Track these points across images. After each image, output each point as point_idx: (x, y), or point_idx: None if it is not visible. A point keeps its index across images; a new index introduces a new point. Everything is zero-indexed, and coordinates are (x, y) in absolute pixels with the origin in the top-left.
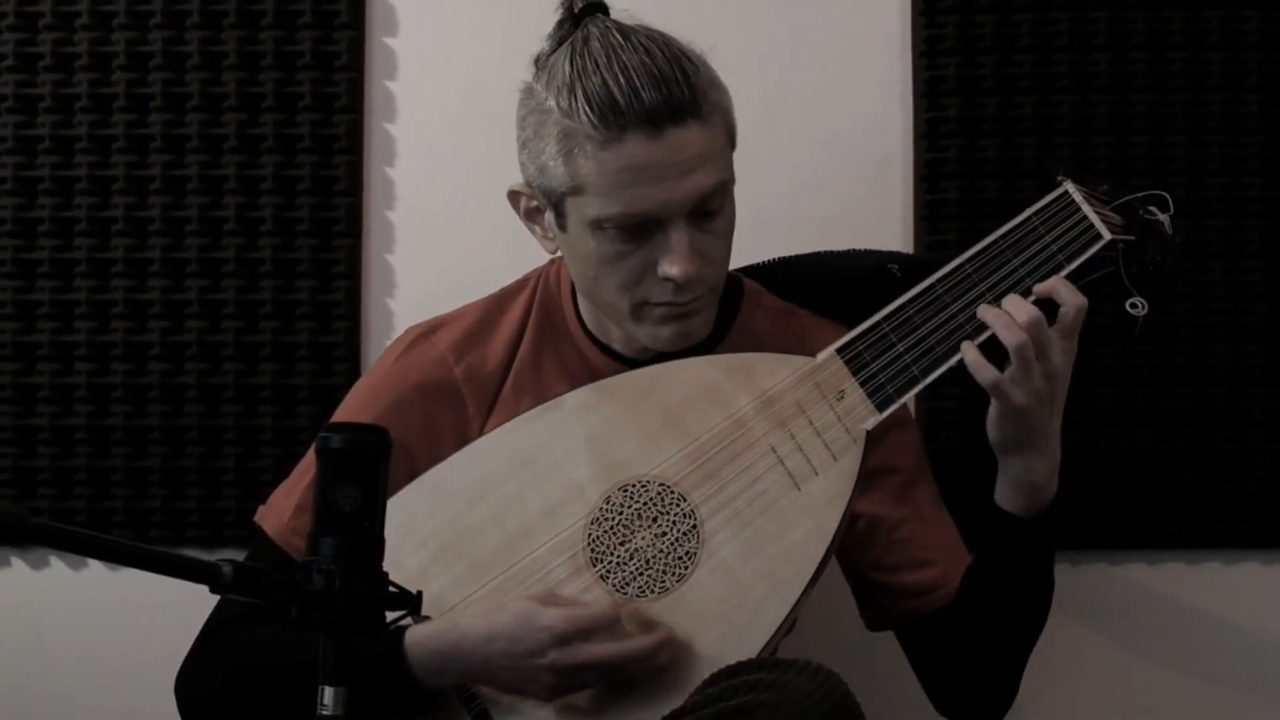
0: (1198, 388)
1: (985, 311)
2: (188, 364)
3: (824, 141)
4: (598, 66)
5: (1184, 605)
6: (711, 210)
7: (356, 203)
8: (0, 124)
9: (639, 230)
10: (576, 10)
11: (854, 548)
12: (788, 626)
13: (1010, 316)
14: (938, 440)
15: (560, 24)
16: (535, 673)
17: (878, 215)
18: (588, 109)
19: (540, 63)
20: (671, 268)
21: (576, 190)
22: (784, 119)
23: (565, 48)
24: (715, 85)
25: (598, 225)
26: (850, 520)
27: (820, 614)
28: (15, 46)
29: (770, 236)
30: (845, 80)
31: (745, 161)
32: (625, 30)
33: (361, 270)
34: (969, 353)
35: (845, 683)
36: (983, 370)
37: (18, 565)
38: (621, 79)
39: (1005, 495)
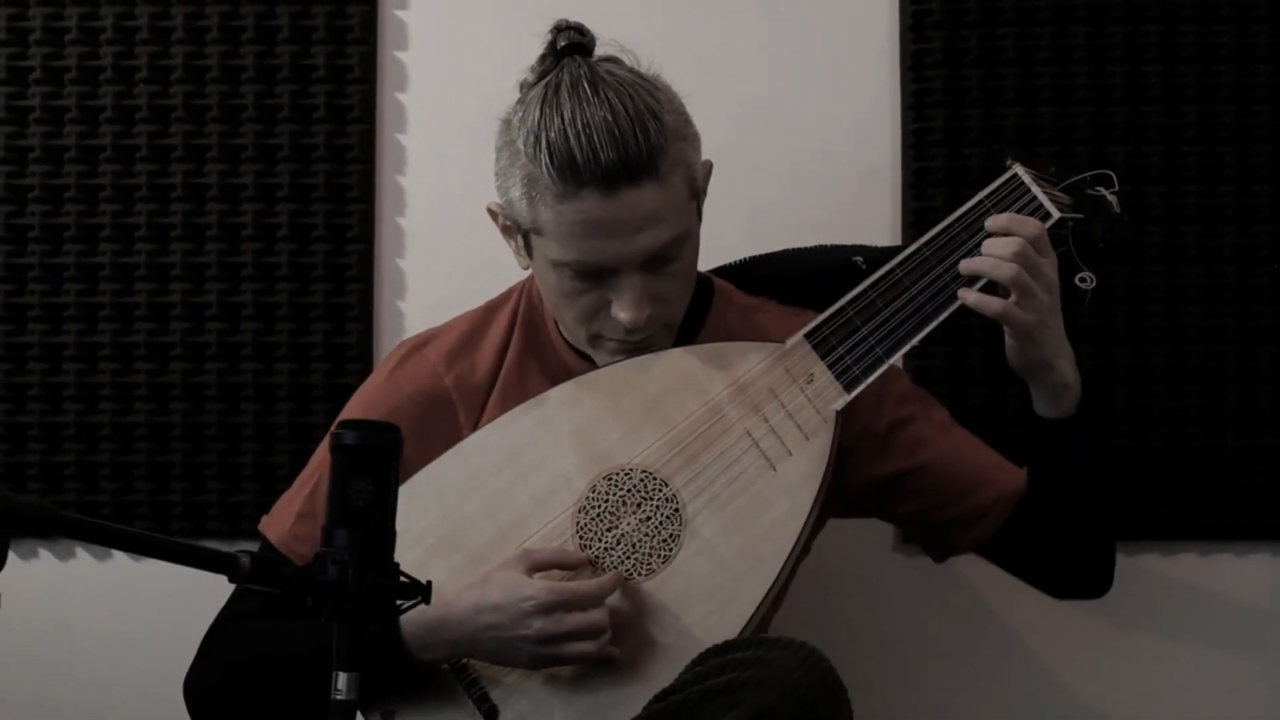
0: (1206, 386)
1: (969, 264)
2: (207, 364)
3: (816, 151)
4: (563, 120)
5: (1163, 595)
6: (668, 258)
7: (369, 210)
8: (28, 134)
9: (594, 275)
10: (559, 48)
11: (907, 503)
12: (772, 600)
13: (995, 257)
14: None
15: (543, 58)
16: (519, 642)
17: (868, 222)
18: (549, 162)
19: (522, 92)
20: (622, 313)
21: (537, 231)
22: (778, 130)
23: (539, 89)
24: (679, 137)
25: (556, 265)
26: (892, 482)
27: (808, 596)
28: (42, 60)
29: (764, 243)
30: (836, 93)
31: (741, 170)
32: (596, 81)
33: (374, 274)
34: (969, 295)
35: (828, 659)
36: (987, 304)
37: (45, 556)
38: (583, 137)
39: (1046, 406)
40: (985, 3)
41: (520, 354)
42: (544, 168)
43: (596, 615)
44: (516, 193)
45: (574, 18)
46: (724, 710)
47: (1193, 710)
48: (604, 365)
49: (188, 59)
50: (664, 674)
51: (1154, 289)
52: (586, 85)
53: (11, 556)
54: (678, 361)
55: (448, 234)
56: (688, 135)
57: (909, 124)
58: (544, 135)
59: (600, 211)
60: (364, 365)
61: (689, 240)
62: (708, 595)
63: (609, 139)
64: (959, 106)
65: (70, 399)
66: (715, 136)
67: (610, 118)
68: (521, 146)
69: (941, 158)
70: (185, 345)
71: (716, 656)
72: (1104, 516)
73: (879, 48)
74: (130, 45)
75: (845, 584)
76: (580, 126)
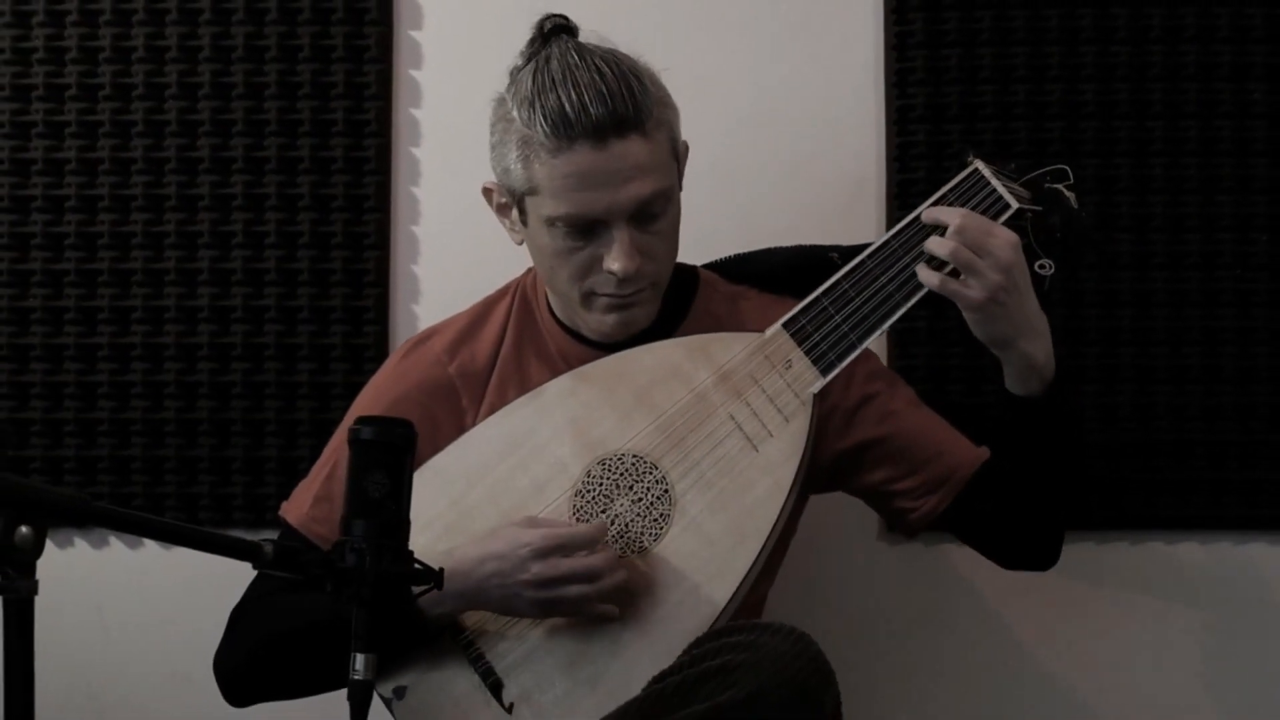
0: (1173, 385)
1: (929, 243)
2: (233, 363)
3: (805, 163)
4: (554, 84)
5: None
6: (654, 213)
7: (385, 219)
8: (64, 148)
9: (587, 229)
10: (545, 30)
11: (867, 474)
12: (757, 573)
13: (938, 236)
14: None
15: (531, 42)
16: (520, 588)
17: (854, 230)
18: (543, 121)
19: (513, 76)
20: (614, 264)
21: (533, 191)
22: (769, 143)
23: (531, 65)
24: (661, 102)
25: (550, 223)
26: (854, 453)
27: (799, 584)
28: (78, 78)
29: (753, 249)
30: (824, 108)
31: (734, 180)
32: (583, 50)
33: (389, 279)
34: (920, 270)
35: (817, 644)
36: (929, 276)
37: (80, 545)
38: (574, 94)
39: (1014, 383)
40: (965, 24)
41: (516, 340)
42: (539, 127)
43: (591, 559)
44: (512, 157)
45: None
46: (719, 691)
47: (1163, 692)
48: (595, 328)
49: (214, 76)
50: (658, 644)
51: (1123, 293)
52: (575, 54)
53: (49, 544)
54: (665, 352)
55: (458, 241)
56: (669, 103)
57: (893, 138)
58: (537, 99)
59: (591, 163)
60: (380, 364)
61: (673, 199)
62: (696, 569)
63: (597, 95)
64: (940, 121)
65: (104, 397)
66: (709, 148)
67: (598, 78)
68: (516, 114)
69: (924, 169)
70: (212, 346)
71: (711, 640)
72: (1059, 496)
73: (865, 65)
74: (160, 63)
75: (834, 573)
76: (571, 85)
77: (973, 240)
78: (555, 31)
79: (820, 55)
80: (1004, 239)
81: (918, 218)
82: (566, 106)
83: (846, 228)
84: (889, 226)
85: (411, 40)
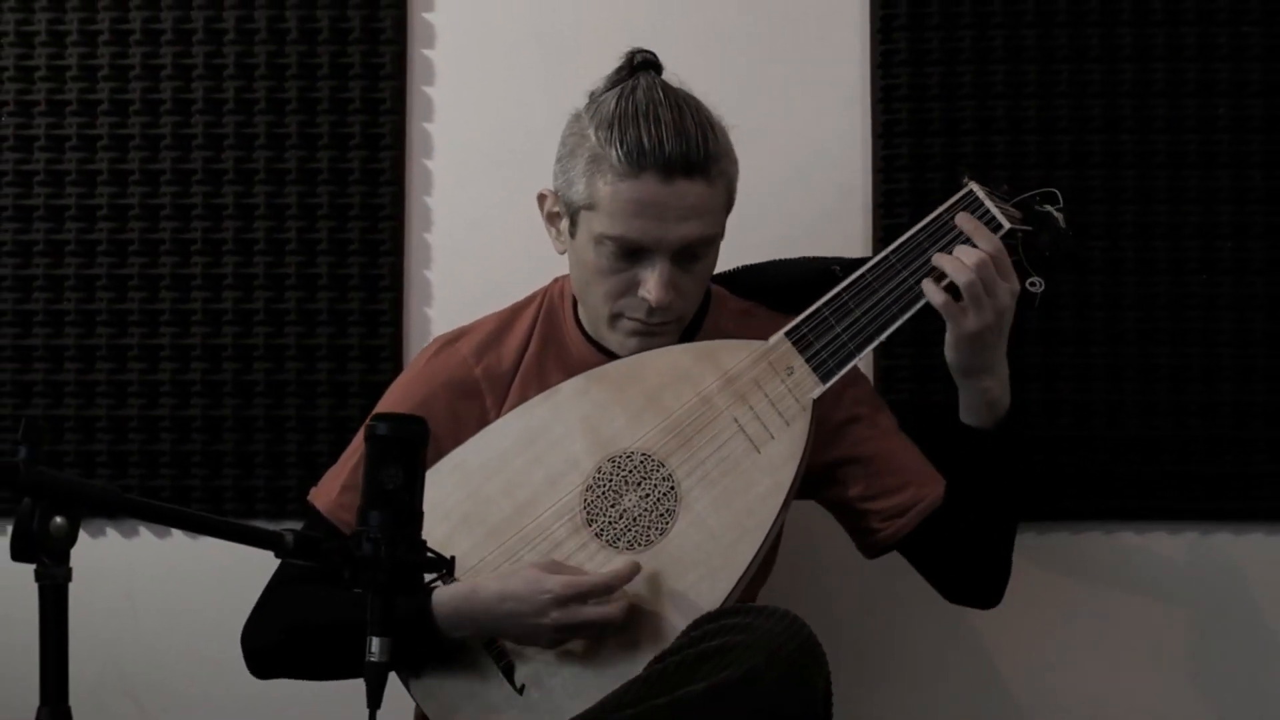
0: (1141, 383)
1: (939, 258)
2: (256, 363)
3: (795, 174)
4: (637, 114)
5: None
6: (696, 255)
7: (399, 227)
8: (96, 160)
9: (632, 254)
10: (635, 63)
11: (841, 488)
12: (756, 568)
13: (960, 261)
14: (893, 393)
15: (619, 70)
16: (538, 629)
17: (841, 239)
18: (619, 146)
19: (593, 97)
20: (649, 293)
21: (590, 206)
22: (761, 155)
23: (616, 90)
24: (727, 155)
25: (600, 240)
26: (832, 467)
27: (792, 574)
28: (110, 94)
29: (749, 256)
30: (813, 122)
31: None
32: (669, 90)
33: (404, 284)
34: (927, 284)
35: (808, 625)
36: (935, 294)
37: (112, 535)
38: (653, 129)
39: (969, 414)
40: (947, 43)
41: (540, 347)
42: (614, 147)
43: (608, 610)
44: (578, 170)
45: (569, 52)
46: (717, 670)
47: (1137, 675)
48: (616, 349)
49: (238, 92)
50: (661, 633)
51: (1095, 296)
52: (660, 91)
53: (82, 534)
54: (674, 357)
55: (469, 247)
56: (733, 158)
57: (878, 151)
58: (618, 122)
59: (654, 195)
60: (395, 365)
61: (715, 245)
62: (699, 563)
63: (675, 134)
64: (923, 135)
65: (134, 395)
66: None
67: (679, 118)
68: (592, 132)
69: (907, 180)
70: (236, 347)
71: (710, 623)
72: (1003, 531)
73: (851, 83)
74: (187, 80)
75: (826, 565)
76: (653, 119)
77: (989, 278)
78: (644, 66)
79: (809, 73)
80: (1009, 287)
81: (916, 234)
82: (645, 139)
83: (835, 236)
84: (875, 235)
85: (424, 58)
